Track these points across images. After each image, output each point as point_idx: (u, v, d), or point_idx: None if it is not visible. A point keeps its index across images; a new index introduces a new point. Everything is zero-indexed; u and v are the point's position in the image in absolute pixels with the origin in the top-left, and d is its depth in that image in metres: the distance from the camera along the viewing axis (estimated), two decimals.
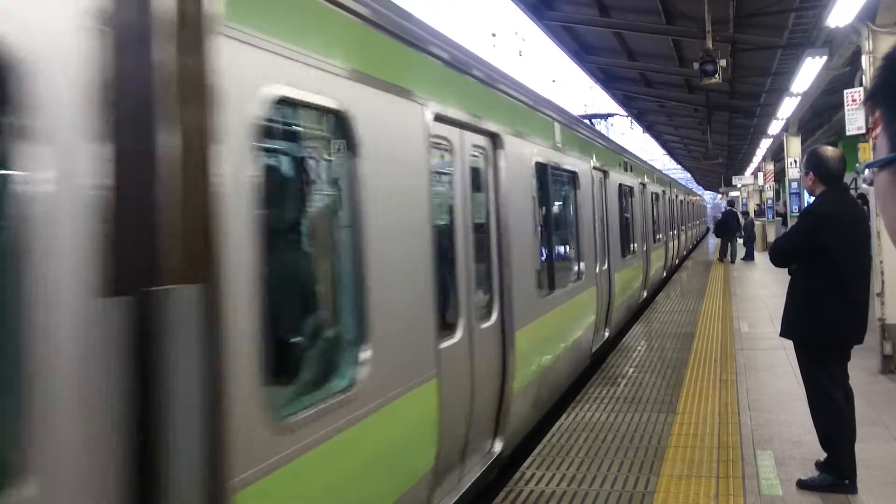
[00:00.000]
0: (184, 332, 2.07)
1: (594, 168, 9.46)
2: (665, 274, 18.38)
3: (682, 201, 26.04)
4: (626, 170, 12.57)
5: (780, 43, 13.17)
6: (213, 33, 2.29)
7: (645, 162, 17.38)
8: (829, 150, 4.86)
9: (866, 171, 1.01)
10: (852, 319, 4.65)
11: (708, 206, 62.10)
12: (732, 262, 23.34)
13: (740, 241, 24.83)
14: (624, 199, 12.06)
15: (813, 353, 4.73)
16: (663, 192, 18.84)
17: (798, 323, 4.72)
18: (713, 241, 30.02)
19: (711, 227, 36.83)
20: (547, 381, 6.53)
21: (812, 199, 4.95)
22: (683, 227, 25.89)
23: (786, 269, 4.99)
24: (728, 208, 26.47)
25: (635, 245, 12.85)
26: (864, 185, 6.47)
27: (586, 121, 10.17)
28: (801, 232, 4.83)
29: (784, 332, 4.85)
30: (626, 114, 16.25)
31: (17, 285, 1.76)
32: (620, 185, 11.64)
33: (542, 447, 5.76)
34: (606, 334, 9.70)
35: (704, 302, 13.95)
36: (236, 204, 2.41)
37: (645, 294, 14.05)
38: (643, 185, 14.63)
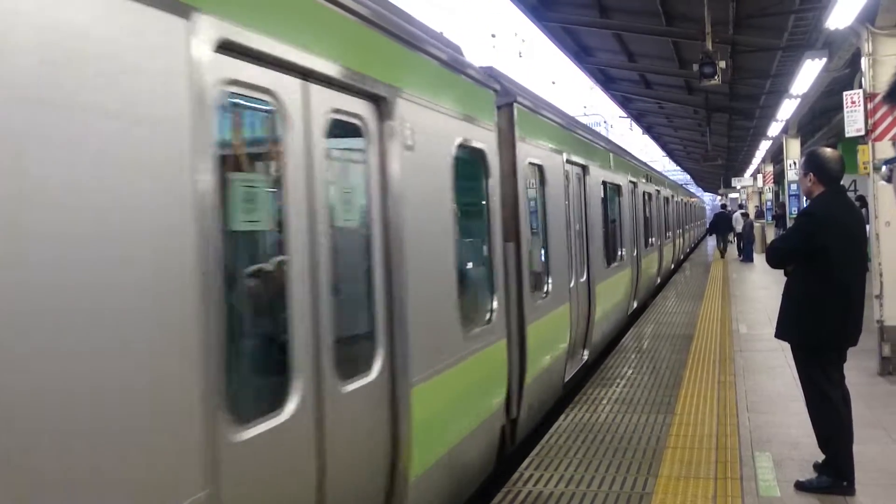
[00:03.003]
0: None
1: (569, 161, 8.08)
2: (659, 280, 17.58)
3: (678, 202, 25.97)
4: (613, 166, 11.22)
5: (780, 45, 13.20)
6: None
7: (636, 159, 16.43)
8: (829, 152, 4.87)
9: (883, 167, 1.03)
10: (849, 321, 4.66)
11: (707, 207, 62.08)
12: (722, 256, 26.41)
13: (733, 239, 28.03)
14: (610, 200, 10.91)
15: (810, 354, 4.73)
16: (657, 191, 18.09)
17: (795, 325, 4.73)
18: (712, 244, 31.34)
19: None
20: (482, 440, 5.12)
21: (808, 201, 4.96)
22: (680, 230, 25.82)
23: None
24: (721, 210, 31.18)
25: (623, 251, 11.75)
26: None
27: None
28: (799, 233, 4.83)
29: (779, 334, 4.85)
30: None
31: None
32: (605, 183, 10.41)
33: (540, 448, 5.76)
34: (585, 357, 8.52)
35: (703, 303, 13.95)
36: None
37: (635, 304, 12.97)
38: (633, 183, 13.51)
